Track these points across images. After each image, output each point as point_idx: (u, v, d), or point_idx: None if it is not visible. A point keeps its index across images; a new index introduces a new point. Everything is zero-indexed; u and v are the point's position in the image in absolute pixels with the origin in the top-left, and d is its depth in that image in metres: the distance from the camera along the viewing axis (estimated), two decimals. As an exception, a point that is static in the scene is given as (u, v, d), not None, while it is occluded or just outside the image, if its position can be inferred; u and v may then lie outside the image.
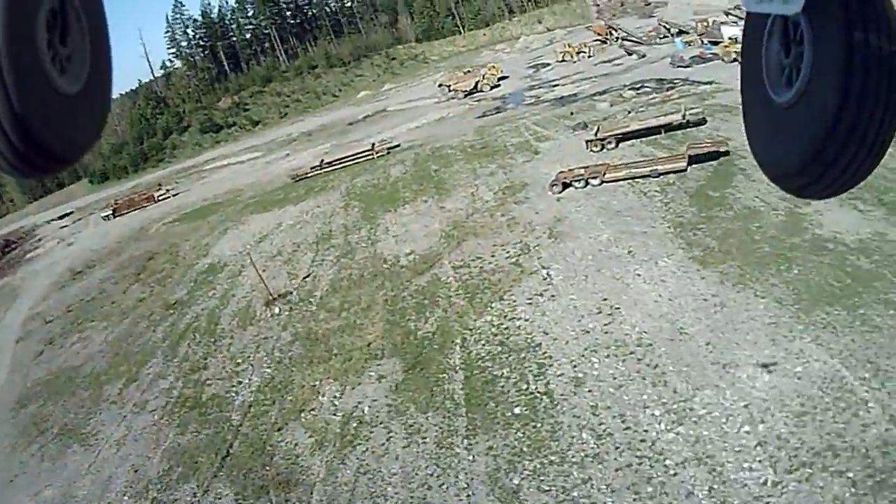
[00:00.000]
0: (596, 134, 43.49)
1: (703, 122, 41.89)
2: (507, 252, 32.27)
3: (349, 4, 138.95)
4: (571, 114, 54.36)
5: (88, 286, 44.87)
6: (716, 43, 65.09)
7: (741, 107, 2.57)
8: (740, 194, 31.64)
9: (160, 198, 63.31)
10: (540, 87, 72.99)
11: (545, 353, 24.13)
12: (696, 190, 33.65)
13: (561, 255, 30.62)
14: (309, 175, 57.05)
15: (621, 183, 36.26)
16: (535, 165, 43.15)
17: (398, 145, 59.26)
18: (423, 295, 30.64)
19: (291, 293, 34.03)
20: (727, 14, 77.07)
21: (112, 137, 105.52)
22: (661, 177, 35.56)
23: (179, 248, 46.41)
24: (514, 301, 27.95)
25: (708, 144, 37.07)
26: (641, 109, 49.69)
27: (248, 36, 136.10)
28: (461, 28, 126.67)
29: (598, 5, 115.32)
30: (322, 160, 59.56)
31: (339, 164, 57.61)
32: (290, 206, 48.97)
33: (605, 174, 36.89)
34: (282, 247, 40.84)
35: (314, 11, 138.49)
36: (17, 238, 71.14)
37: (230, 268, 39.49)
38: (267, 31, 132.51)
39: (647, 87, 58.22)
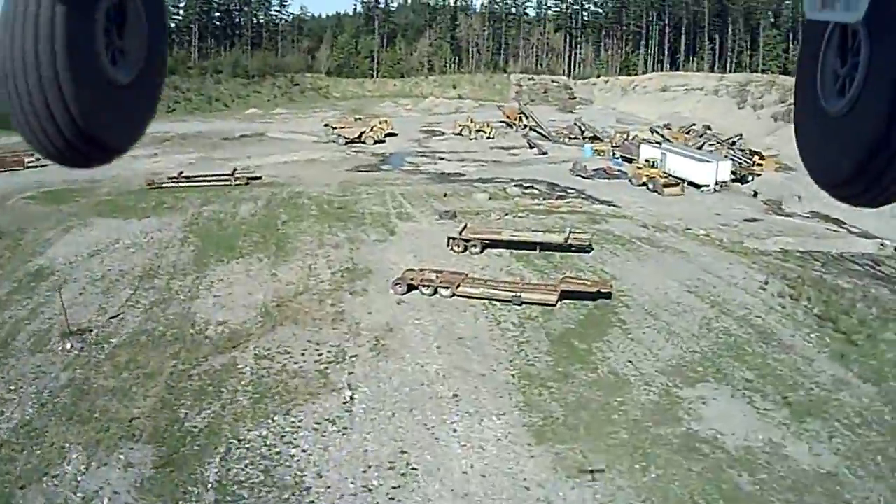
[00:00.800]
0: (461, 232, 36.49)
1: (588, 248, 35.70)
2: (320, 354, 26.48)
3: (276, 21, 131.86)
4: (445, 195, 48.93)
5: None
6: (629, 160, 59.98)
7: (793, 114, 2.38)
8: (612, 353, 26.76)
9: (29, 164, 57.62)
10: (424, 156, 67.90)
11: (312, 502, 18.86)
12: (561, 335, 28.01)
13: (375, 378, 24.78)
14: (164, 185, 52.05)
15: (475, 301, 29.72)
16: (387, 249, 37.49)
17: (260, 177, 54.83)
18: (210, 380, 24.91)
19: (92, 331, 28.52)
20: (653, 132, 72.08)
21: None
22: (524, 305, 29.04)
23: (25, 235, 40.44)
24: (300, 421, 22.30)
25: (588, 283, 30.74)
26: (522, 215, 43.34)
27: (172, 25, 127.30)
28: (375, 72, 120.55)
29: (519, 86, 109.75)
30: (181, 172, 55.27)
31: (197, 181, 52.88)
32: (135, 220, 43.16)
33: (458, 286, 30.01)
34: (108, 270, 34.96)
35: (241, 19, 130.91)
36: None
37: (55, 278, 33.72)
38: (190, 26, 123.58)
39: (536, 188, 52.99)
